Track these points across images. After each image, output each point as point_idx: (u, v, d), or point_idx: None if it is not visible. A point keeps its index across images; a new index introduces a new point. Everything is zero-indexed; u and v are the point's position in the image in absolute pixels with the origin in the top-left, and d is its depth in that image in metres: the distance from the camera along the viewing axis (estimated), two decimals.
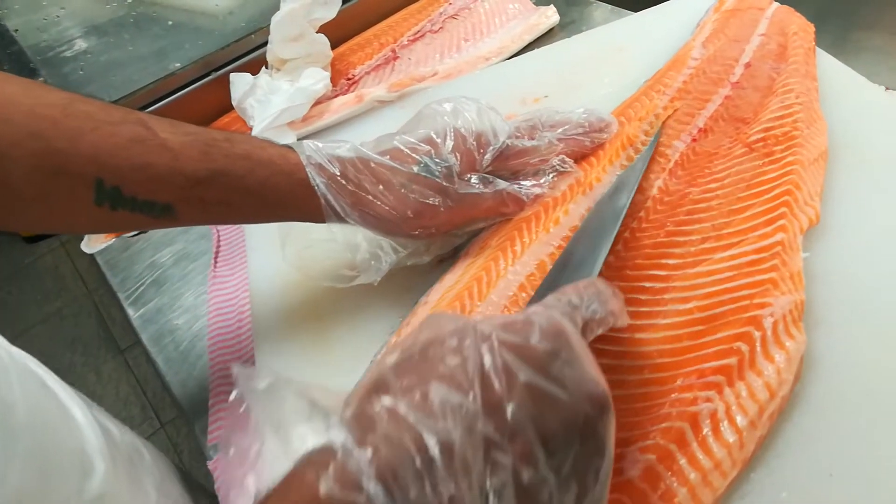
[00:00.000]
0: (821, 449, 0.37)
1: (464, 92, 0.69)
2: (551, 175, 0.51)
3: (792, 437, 0.38)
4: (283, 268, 0.51)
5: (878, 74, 0.68)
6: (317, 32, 0.74)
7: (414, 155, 0.46)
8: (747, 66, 0.59)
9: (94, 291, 2.02)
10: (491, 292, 0.45)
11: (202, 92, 0.77)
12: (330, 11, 0.73)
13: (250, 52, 0.79)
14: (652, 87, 0.59)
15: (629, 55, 0.68)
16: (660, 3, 0.75)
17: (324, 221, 0.45)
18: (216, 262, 0.60)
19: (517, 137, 0.50)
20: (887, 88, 0.61)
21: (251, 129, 0.69)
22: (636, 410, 0.39)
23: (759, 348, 0.40)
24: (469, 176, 0.47)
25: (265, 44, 0.74)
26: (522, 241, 0.47)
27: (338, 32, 0.79)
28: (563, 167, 0.52)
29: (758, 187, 0.49)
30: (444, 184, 0.45)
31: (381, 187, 0.44)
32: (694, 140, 0.53)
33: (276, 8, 0.71)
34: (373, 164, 0.45)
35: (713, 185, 0.50)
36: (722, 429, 0.37)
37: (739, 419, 0.37)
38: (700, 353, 0.40)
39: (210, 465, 0.47)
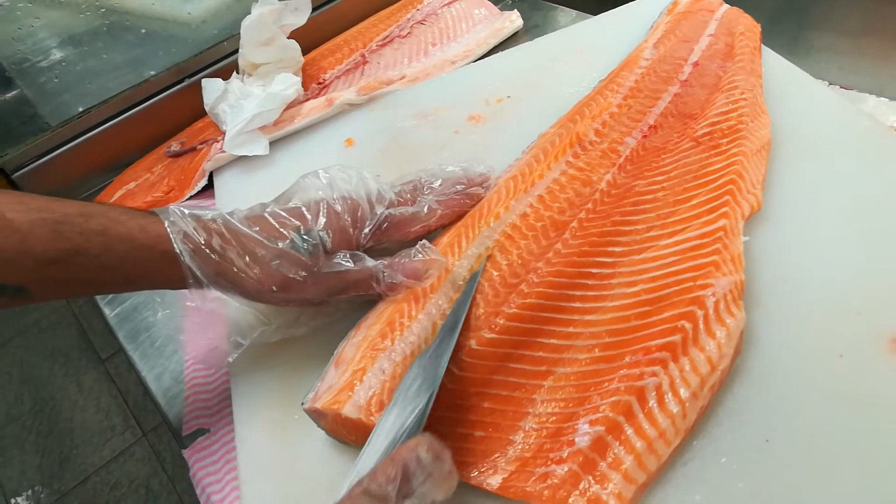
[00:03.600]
0: (758, 418, 0.40)
1: (432, 93, 0.73)
2: (418, 255, 0.48)
3: (731, 408, 0.41)
4: None
5: (828, 72, 0.71)
6: (288, 38, 0.76)
7: (282, 230, 0.45)
8: (695, 64, 0.62)
9: (72, 301, 2.01)
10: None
11: (175, 98, 0.79)
12: (300, 18, 0.75)
13: (222, 59, 0.81)
14: (606, 87, 0.62)
15: (588, 57, 0.71)
16: (619, 6, 0.78)
17: (187, 288, 0.44)
18: None
19: (400, 204, 0.50)
20: (829, 84, 0.65)
21: (224, 133, 0.71)
22: (586, 386, 0.41)
23: (701, 326, 0.42)
24: (339, 253, 0.46)
25: (237, 51, 0.76)
26: (467, 237, 0.50)
27: (309, 38, 0.82)
28: (424, 254, 0.48)
29: (703, 178, 0.52)
30: (310, 262, 0.44)
31: (247, 258, 0.44)
32: (644, 136, 0.56)
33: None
34: (240, 236, 0.44)
35: (659, 178, 0.53)
36: (666, 400, 0.40)
37: (683, 391, 0.40)
38: (646, 331, 0.43)
39: (185, 453, 0.49)
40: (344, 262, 0.45)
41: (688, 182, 0.52)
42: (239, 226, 0.44)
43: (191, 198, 0.71)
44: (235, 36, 0.78)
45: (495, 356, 0.44)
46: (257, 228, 0.45)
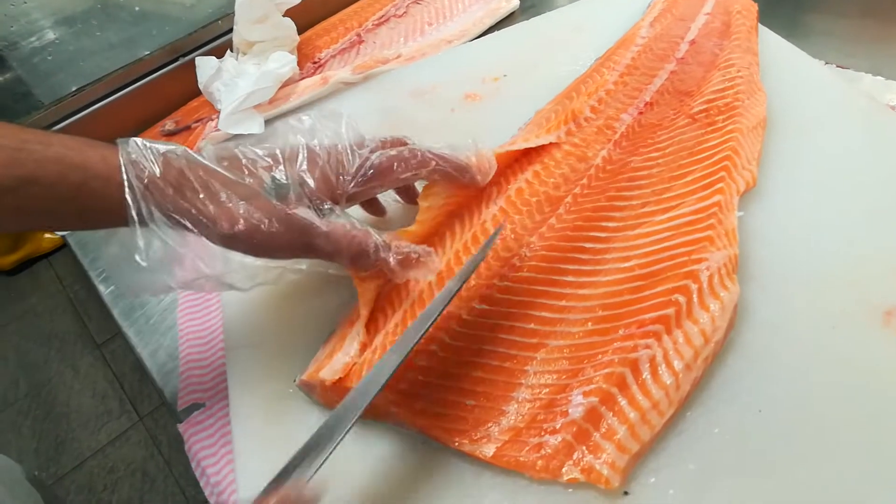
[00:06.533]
0: (751, 389, 0.40)
1: (428, 72, 0.72)
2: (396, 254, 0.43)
3: (725, 379, 0.41)
4: None
5: (826, 54, 0.71)
6: (283, 16, 0.75)
7: (254, 169, 0.42)
8: (692, 43, 0.62)
9: (68, 287, 2.01)
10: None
11: (170, 77, 0.79)
12: None
13: (217, 38, 0.81)
14: (602, 65, 0.62)
15: (585, 36, 0.71)
16: None
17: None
18: None
19: (383, 148, 0.46)
20: (826, 63, 0.64)
21: (219, 111, 0.71)
22: (580, 359, 0.42)
23: (695, 299, 0.42)
24: (324, 203, 0.42)
25: (232, 29, 0.76)
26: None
27: (304, 17, 0.81)
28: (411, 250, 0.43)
29: (698, 154, 0.52)
30: (279, 205, 0.40)
31: (209, 196, 0.39)
32: (640, 113, 0.56)
33: None
34: (201, 172, 0.40)
35: (655, 154, 0.53)
36: (660, 372, 0.40)
37: (676, 363, 0.40)
38: (640, 305, 0.43)
39: (180, 427, 0.49)
40: (310, 212, 0.41)
41: (683, 158, 0.52)
42: (204, 161, 0.40)
43: None
44: (230, 14, 0.77)
45: (485, 326, 0.44)
46: (226, 164, 0.41)
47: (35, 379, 1.81)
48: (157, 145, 0.41)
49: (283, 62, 0.73)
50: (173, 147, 0.41)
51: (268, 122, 0.72)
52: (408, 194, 0.54)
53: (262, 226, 0.39)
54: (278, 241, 0.40)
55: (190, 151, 0.42)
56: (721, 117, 0.54)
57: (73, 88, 0.75)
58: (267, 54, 0.74)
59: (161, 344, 0.55)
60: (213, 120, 0.72)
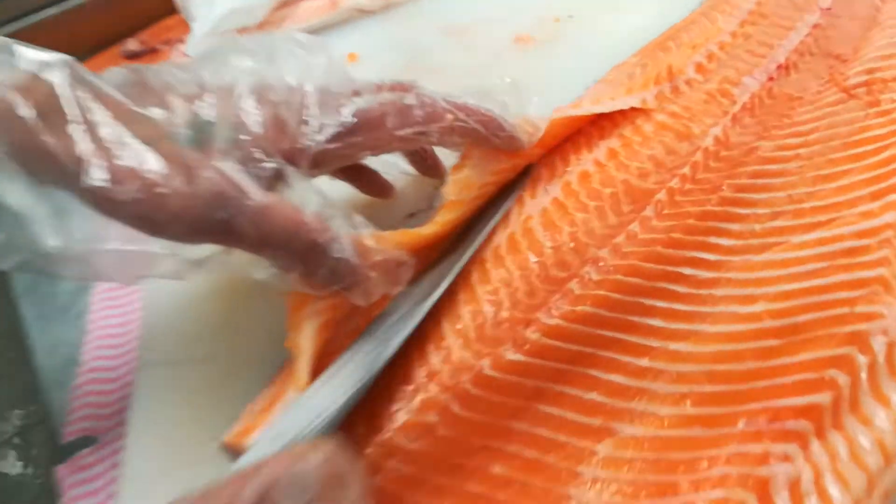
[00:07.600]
0: None
1: (470, 3, 0.57)
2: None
3: None
4: None
5: None
6: None
7: (168, 97, 0.27)
8: None
9: None
10: None
11: None
12: None
13: None
14: (714, 8, 0.45)
15: None
16: None
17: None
18: None
19: (378, 92, 0.31)
20: None
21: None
22: (671, 465, 0.26)
23: (864, 381, 0.26)
24: (270, 161, 0.28)
25: None
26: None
27: None
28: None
29: (859, 147, 0.35)
30: (187, 151, 0.26)
31: (71, 125, 0.24)
32: (771, 79, 0.39)
33: None
34: (85, 94, 0.25)
35: (794, 141, 0.36)
36: None
37: (835, 492, 0.24)
38: (773, 381, 0.27)
39: (59, 471, 0.34)
40: (270, 175, 0.27)
41: (836, 150, 0.35)
42: (94, 80, 0.26)
43: None
44: None
45: (520, 392, 0.28)
46: (136, 91, 0.27)
47: None
48: (26, 50, 0.26)
49: None
50: (54, 56, 0.26)
51: None
52: (422, 161, 0.37)
53: (157, 181, 0.24)
54: (179, 210, 0.24)
55: (79, 65, 0.26)
56: (887, 96, 0.37)
57: None
58: None
59: (62, 339, 0.40)
60: (183, 42, 0.56)
